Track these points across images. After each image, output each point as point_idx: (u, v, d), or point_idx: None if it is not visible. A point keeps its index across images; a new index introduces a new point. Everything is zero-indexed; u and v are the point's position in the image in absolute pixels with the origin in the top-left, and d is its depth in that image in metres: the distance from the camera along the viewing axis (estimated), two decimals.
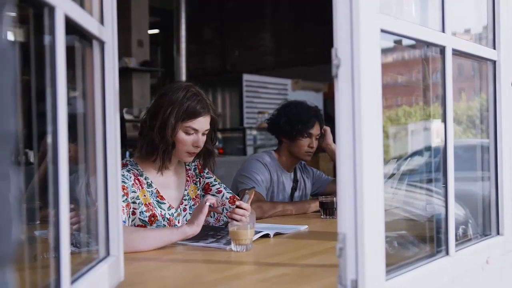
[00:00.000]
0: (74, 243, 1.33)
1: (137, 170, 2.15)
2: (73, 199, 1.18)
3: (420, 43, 1.55)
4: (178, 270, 1.64)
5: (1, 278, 0.55)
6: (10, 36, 0.60)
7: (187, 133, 2.12)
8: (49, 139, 0.97)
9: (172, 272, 1.61)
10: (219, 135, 7.72)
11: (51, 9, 0.96)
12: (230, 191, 2.35)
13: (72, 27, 1.08)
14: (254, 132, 7.63)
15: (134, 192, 2.08)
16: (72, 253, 1.04)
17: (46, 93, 0.98)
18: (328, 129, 3.03)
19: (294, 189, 3.06)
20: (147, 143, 2.13)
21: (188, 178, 2.30)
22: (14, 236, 0.56)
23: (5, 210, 0.55)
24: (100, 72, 1.31)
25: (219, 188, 2.34)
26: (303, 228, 2.29)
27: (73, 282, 1.06)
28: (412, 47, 1.68)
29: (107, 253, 1.34)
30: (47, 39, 0.97)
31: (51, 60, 0.96)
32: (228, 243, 1.86)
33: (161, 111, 2.09)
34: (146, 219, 2.09)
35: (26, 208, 1.23)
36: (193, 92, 2.12)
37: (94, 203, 1.37)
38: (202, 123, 2.13)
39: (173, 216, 2.18)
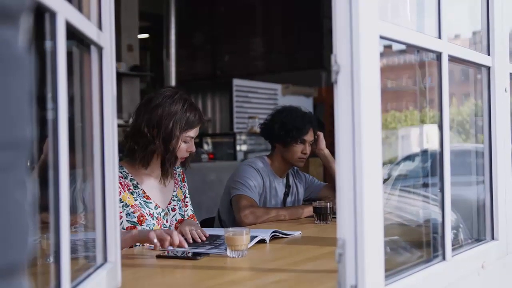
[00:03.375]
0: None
1: (121, 173, 2.19)
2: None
3: (410, 49, 1.57)
4: (175, 277, 1.63)
5: (18, 285, 0.55)
6: (26, 43, 0.60)
7: (185, 142, 2.22)
8: (49, 145, 0.96)
9: (169, 279, 1.60)
10: (209, 140, 7.72)
11: (52, 15, 0.95)
12: (193, 210, 2.43)
13: (70, 32, 1.07)
14: (244, 137, 7.61)
15: None
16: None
17: (46, 98, 0.97)
18: (321, 134, 3.04)
19: (286, 194, 3.06)
20: (149, 154, 2.18)
21: (175, 181, 2.38)
22: (29, 244, 0.57)
23: (21, 218, 0.55)
24: (98, 78, 1.30)
25: (187, 202, 2.44)
26: (297, 233, 2.29)
27: None
28: (402, 52, 1.69)
29: (105, 259, 1.33)
30: (47, 44, 0.97)
31: (52, 65, 0.96)
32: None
33: (162, 123, 2.15)
34: (135, 219, 2.15)
35: None
36: (189, 102, 2.23)
37: (87, 208, 1.37)
38: (197, 130, 2.26)
39: (160, 215, 2.24)
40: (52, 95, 0.96)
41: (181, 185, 2.41)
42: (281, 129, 2.91)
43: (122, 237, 1.89)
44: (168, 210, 2.29)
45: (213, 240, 2.06)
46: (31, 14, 0.62)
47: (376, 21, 1.18)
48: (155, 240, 1.84)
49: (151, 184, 2.25)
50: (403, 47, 1.53)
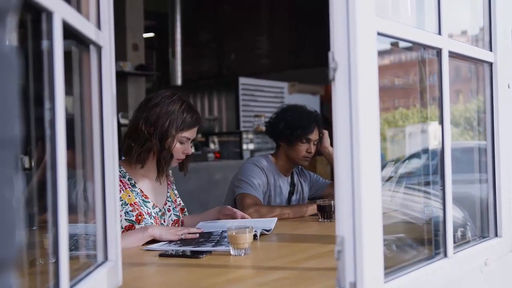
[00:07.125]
0: (71, 247, 1.32)
1: (120, 172, 2.21)
2: (70, 204, 1.18)
3: (416, 45, 1.56)
4: (176, 275, 1.64)
5: (5, 281, 0.55)
6: (13, 41, 0.60)
7: (181, 143, 2.25)
8: (47, 145, 0.97)
9: (170, 277, 1.61)
10: (215, 139, 7.72)
11: (49, 14, 0.96)
12: (178, 214, 2.41)
13: (69, 32, 1.08)
14: (251, 136, 7.61)
15: None
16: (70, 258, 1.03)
17: (44, 98, 0.97)
18: (326, 132, 3.03)
19: (291, 193, 3.06)
20: (145, 151, 2.21)
21: (169, 183, 2.43)
22: (17, 240, 0.57)
23: (8, 214, 0.55)
24: (97, 77, 1.31)
25: (178, 198, 2.47)
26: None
27: (71, 287, 1.06)
28: (408, 49, 1.69)
29: (105, 258, 1.34)
30: (44, 44, 0.97)
31: (49, 65, 0.96)
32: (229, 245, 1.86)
33: (158, 122, 2.19)
34: (133, 218, 2.17)
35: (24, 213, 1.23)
36: (187, 104, 2.26)
37: (91, 208, 1.38)
38: (195, 132, 2.29)
39: (158, 215, 2.27)
40: (49, 95, 0.97)
41: (173, 187, 2.46)
42: (286, 128, 2.90)
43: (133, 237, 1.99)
44: (165, 211, 2.33)
45: (207, 237, 2.07)
46: (18, 13, 0.62)
47: (373, 17, 1.18)
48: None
49: (147, 184, 2.29)
50: (410, 44, 1.53)
